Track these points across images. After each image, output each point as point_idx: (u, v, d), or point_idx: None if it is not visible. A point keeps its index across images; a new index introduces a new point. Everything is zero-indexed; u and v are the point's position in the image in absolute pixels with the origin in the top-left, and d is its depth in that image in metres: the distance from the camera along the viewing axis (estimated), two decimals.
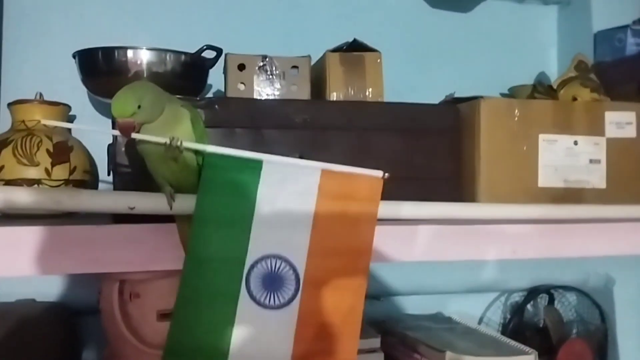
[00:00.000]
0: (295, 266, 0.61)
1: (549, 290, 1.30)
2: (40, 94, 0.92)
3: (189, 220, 0.64)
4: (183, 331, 0.62)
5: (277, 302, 0.62)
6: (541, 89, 1.06)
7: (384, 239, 0.72)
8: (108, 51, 0.94)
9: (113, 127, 0.80)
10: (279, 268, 0.61)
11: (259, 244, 0.60)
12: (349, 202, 0.60)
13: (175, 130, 0.62)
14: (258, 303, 0.61)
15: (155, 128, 0.61)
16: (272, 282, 0.61)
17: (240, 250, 0.60)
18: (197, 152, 0.63)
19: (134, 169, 0.75)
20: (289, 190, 0.60)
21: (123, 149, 0.75)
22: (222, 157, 0.60)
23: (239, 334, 0.61)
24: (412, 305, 1.28)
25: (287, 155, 0.79)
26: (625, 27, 1.23)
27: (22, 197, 0.61)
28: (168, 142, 0.60)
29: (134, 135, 0.61)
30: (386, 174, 0.60)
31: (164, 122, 0.62)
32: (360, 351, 0.98)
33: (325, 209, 0.59)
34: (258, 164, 0.60)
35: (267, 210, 0.59)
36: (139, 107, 0.59)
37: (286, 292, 0.62)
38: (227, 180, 0.60)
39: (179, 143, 0.60)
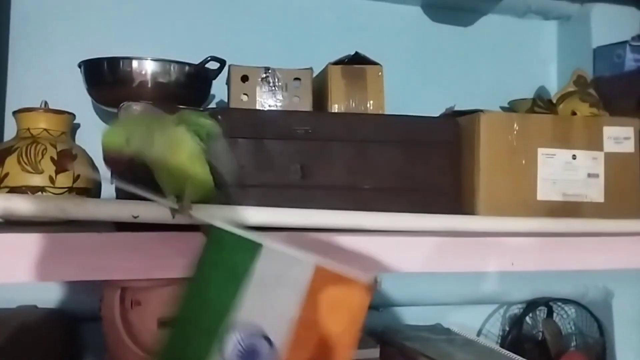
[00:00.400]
0: (274, 347, 0.60)
1: (547, 303, 1.30)
2: (46, 102, 0.93)
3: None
4: None
5: None
6: (541, 103, 1.07)
7: (383, 250, 0.73)
8: (113, 61, 0.95)
9: None
10: (257, 344, 0.60)
11: (241, 317, 0.60)
12: (337, 299, 0.60)
13: (178, 154, 0.63)
14: None
15: (154, 156, 0.61)
16: (247, 354, 0.60)
17: (221, 320, 0.60)
18: (211, 170, 0.64)
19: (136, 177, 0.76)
20: (281, 278, 0.60)
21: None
22: (225, 231, 0.60)
23: None
24: (411, 316, 1.29)
25: (289, 167, 0.81)
26: (624, 43, 1.24)
27: (26, 205, 0.62)
28: (175, 208, 0.62)
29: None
30: (379, 280, 0.60)
31: (163, 149, 0.62)
32: None
33: (314, 300, 0.59)
34: (258, 246, 0.60)
35: (257, 289, 0.60)
36: (127, 140, 0.59)
37: None
38: (227, 250, 0.60)
39: (179, 210, 0.62)
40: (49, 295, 1.03)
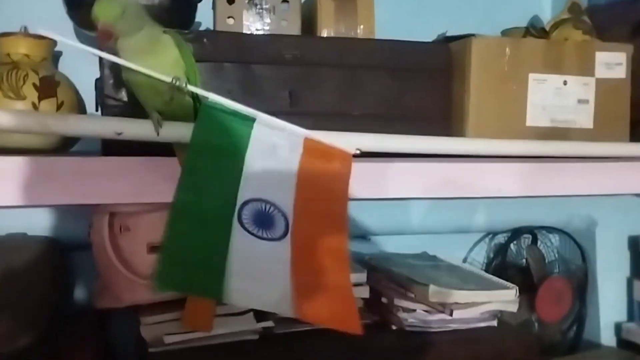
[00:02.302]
0: (283, 211, 0.63)
1: (532, 231, 1.32)
2: (25, 27, 0.90)
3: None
4: (173, 260, 0.64)
5: (269, 236, 0.64)
6: (534, 31, 1.05)
7: (361, 176, 0.72)
8: None
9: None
10: (268, 209, 0.63)
11: (249, 189, 0.63)
12: (326, 166, 0.63)
13: (159, 54, 0.62)
14: (251, 233, 0.64)
15: (135, 47, 0.60)
16: (263, 220, 0.64)
17: (231, 191, 0.62)
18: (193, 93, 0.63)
19: (122, 103, 0.74)
20: (277, 146, 0.62)
21: (111, 81, 0.75)
22: (219, 106, 0.61)
23: (233, 260, 0.64)
24: (397, 245, 1.31)
25: (277, 93, 0.80)
26: None
27: (7, 119, 0.60)
28: (173, 82, 0.60)
29: (127, 65, 0.60)
30: (358, 151, 0.63)
31: (146, 43, 0.61)
32: None
33: (307, 168, 0.62)
34: (251, 120, 0.61)
35: (257, 160, 0.62)
36: (123, 12, 0.57)
37: (277, 230, 0.64)
38: (222, 127, 0.61)
39: (183, 84, 0.60)
40: (38, 222, 1.03)
